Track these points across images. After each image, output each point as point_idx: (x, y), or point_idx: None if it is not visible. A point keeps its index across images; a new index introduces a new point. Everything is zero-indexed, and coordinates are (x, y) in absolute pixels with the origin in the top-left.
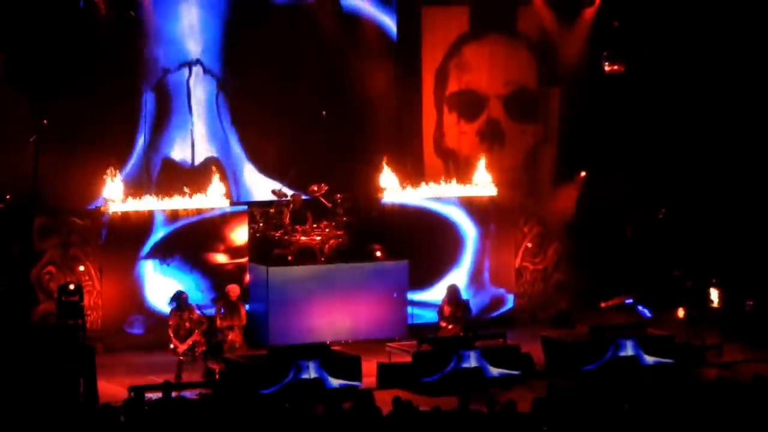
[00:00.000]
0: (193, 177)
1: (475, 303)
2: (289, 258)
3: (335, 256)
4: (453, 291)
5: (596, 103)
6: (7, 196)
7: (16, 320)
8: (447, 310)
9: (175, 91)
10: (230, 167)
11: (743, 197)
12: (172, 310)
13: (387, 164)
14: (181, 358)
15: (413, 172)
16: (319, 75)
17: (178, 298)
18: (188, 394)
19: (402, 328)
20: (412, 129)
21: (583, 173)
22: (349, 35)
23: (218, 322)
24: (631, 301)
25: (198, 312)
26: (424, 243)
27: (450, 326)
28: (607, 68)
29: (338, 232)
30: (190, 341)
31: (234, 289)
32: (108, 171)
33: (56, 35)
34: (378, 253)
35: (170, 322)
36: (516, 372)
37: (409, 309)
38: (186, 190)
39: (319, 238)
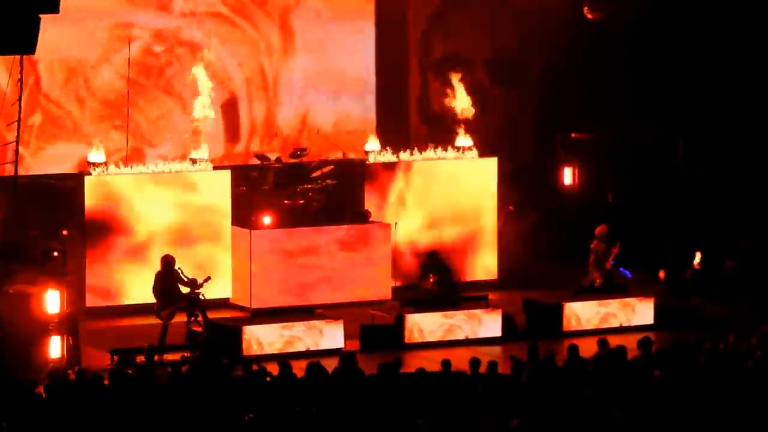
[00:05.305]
0: None
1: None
2: (271, 220)
3: (319, 219)
4: (433, 256)
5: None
6: None
7: None
8: (428, 274)
9: None
10: None
11: (727, 159)
12: (157, 273)
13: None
14: (166, 322)
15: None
16: None
17: (165, 262)
18: (170, 357)
19: (386, 290)
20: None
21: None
22: None
23: None
24: (613, 263)
25: (185, 276)
26: None
27: (433, 288)
28: (589, 15)
29: (319, 196)
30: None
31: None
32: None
33: None
34: (367, 216)
35: (156, 286)
36: (498, 334)
37: None
38: None
39: (302, 201)
